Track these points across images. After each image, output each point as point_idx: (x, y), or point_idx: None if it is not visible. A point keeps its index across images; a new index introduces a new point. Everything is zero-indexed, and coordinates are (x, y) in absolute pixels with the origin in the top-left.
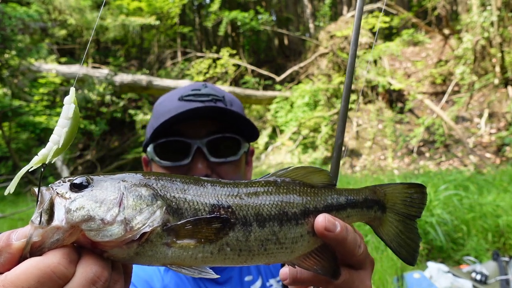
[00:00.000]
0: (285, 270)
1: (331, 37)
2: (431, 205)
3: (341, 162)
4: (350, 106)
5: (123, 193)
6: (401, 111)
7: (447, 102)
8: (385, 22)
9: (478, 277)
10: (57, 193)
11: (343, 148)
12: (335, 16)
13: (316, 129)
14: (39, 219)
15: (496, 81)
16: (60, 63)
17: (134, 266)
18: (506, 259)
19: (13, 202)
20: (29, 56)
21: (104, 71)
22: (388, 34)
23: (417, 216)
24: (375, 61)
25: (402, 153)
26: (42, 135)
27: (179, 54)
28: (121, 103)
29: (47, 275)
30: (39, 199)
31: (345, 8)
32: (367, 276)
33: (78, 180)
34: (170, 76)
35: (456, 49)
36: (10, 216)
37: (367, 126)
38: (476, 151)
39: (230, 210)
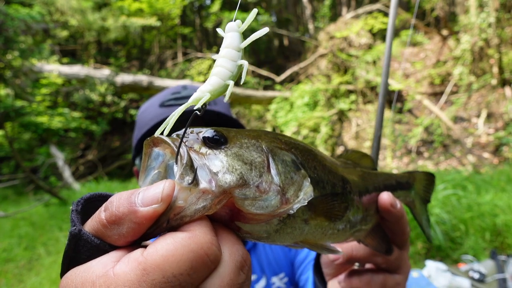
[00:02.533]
0: None
1: (331, 38)
2: (429, 204)
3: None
4: (349, 106)
5: (268, 155)
6: (400, 111)
7: (445, 102)
8: (384, 23)
9: (476, 275)
10: (190, 147)
11: (344, 148)
12: (334, 17)
13: (315, 129)
14: (188, 178)
15: (494, 82)
16: (62, 63)
17: None
18: (504, 257)
19: (16, 202)
20: (32, 57)
21: (106, 71)
22: None
23: (429, 201)
24: (374, 62)
25: (401, 153)
26: (44, 136)
27: (179, 54)
28: (122, 103)
29: (201, 258)
30: (177, 154)
31: (344, 9)
32: (407, 255)
33: (209, 133)
34: (170, 77)
35: (454, 50)
36: (13, 215)
37: (366, 126)
38: (474, 151)
39: (351, 186)
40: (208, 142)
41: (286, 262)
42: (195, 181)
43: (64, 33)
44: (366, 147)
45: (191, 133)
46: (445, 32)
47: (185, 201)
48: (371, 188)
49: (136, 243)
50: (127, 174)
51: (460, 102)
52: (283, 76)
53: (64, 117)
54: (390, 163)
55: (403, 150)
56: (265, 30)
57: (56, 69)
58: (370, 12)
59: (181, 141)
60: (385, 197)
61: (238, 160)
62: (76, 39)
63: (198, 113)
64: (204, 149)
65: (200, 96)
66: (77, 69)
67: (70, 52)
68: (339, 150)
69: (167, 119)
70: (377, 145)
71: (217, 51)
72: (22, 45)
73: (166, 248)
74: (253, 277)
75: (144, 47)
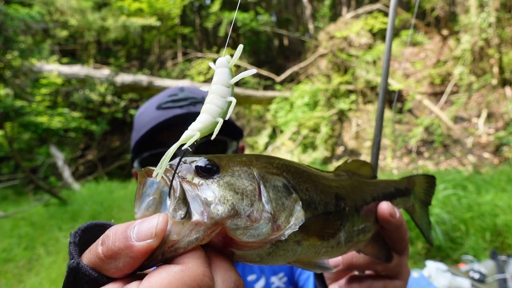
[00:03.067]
0: (336, 258)
1: (331, 37)
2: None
3: (341, 162)
4: (349, 106)
5: (259, 182)
6: (400, 111)
7: (445, 102)
8: (384, 23)
9: (476, 275)
10: (182, 177)
11: (343, 148)
12: (334, 17)
13: (315, 129)
14: (181, 212)
15: (494, 82)
16: (61, 63)
17: None
18: (504, 258)
19: (15, 202)
20: (31, 56)
21: (105, 71)
22: None
23: (430, 204)
24: (374, 62)
25: (401, 153)
26: (44, 135)
27: (179, 54)
28: (122, 103)
29: None
30: (170, 187)
31: (344, 9)
32: (407, 261)
33: (202, 162)
34: (170, 77)
35: (455, 49)
36: (12, 215)
37: (366, 126)
38: (474, 151)
39: (345, 202)
40: (201, 172)
41: None
42: (188, 215)
43: (63, 33)
44: (366, 147)
45: (184, 162)
46: (445, 32)
47: (178, 235)
48: (369, 199)
49: (132, 274)
50: (127, 174)
51: (461, 102)
52: (283, 76)
53: (64, 117)
54: (390, 163)
55: (403, 150)
56: (251, 72)
57: (56, 69)
58: (370, 12)
59: (174, 175)
60: (384, 207)
61: (230, 190)
62: (76, 39)
63: (190, 149)
64: (196, 179)
65: (191, 134)
66: (77, 69)
67: (69, 52)
68: (339, 150)
69: (162, 158)
70: (376, 151)
71: (217, 51)
72: (21, 45)
73: (160, 282)
74: (253, 276)
75: (144, 47)
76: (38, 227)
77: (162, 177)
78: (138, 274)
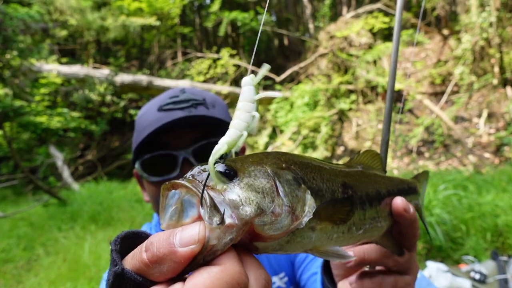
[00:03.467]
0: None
1: (331, 37)
2: (430, 204)
3: (341, 162)
4: (349, 106)
5: (274, 178)
6: (400, 111)
7: (446, 102)
8: (384, 23)
9: (477, 276)
10: (207, 186)
11: (343, 148)
12: (335, 16)
13: (316, 129)
14: (216, 219)
15: (495, 82)
16: (61, 63)
17: None
18: (505, 258)
19: (15, 202)
20: (30, 56)
21: (105, 71)
22: (388, 35)
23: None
24: (374, 62)
25: (402, 153)
26: (43, 135)
27: (179, 54)
28: (122, 103)
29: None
30: (202, 197)
31: (344, 9)
32: (415, 257)
33: (221, 168)
34: (170, 76)
35: (455, 49)
36: (12, 215)
37: (366, 126)
38: (475, 151)
39: (353, 189)
40: (221, 177)
41: (286, 262)
42: (222, 220)
43: (63, 33)
44: (366, 147)
45: (204, 171)
46: (446, 31)
47: (217, 239)
48: (384, 191)
49: (175, 278)
50: (126, 174)
51: (461, 102)
52: (283, 76)
53: (63, 117)
54: (391, 163)
55: (403, 150)
56: (276, 94)
57: (55, 68)
58: (370, 12)
59: (204, 187)
60: (399, 201)
61: (251, 190)
62: (75, 39)
63: (220, 161)
64: (219, 186)
65: (221, 148)
66: (76, 69)
67: (69, 51)
68: (340, 150)
69: (208, 163)
70: (385, 149)
71: (217, 51)
72: (21, 44)
73: (203, 282)
74: None
75: (143, 47)
76: (37, 227)
77: (184, 186)
78: (180, 278)
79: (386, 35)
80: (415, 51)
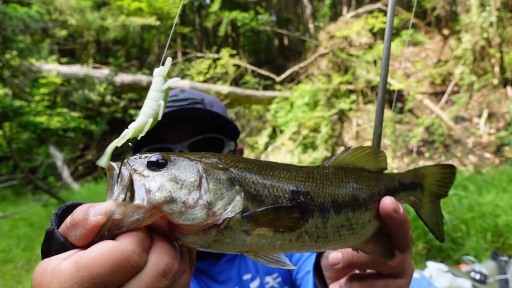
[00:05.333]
0: (336, 255)
1: (331, 37)
2: None
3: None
4: (349, 106)
5: (202, 175)
6: (400, 111)
7: (446, 102)
8: (384, 23)
9: (477, 276)
10: (135, 170)
11: (344, 149)
12: (335, 16)
13: (316, 129)
14: (122, 196)
15: (495, 81)
16: (61, 63)
17: None
18: (505, 258)
19: (14, 202)
20: (30, 56)
21: (105, 71)
22: None
23: (445, 195)
24: (374, 61)
25: (402, 153)
26: (43, 135)
27: (179, 54)
28: (122, 103)
29: (121, 263)
30: (119, 176)
31: (345, 9)
32: (410, 258)
33: (154, 157)
34: (170, 76)
35: (456, 49)
36: (11, 215)
37: (366, 126)
38: (475, 151)
39: (309, 196)
40: (151, 166)
41: None
42: (129, 199)
43: (63, 33)
44: None
45: (139, 158)
46: (446, 31)
47: (120, 215)
48: (364, 196)
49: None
50: None
51: (461, 102)
52: (283, 76)
53: (63, 117)
54: (391, 163)
55: (403, 150)
56: (186, 83)
57: (55, 68)
58: (370, 12)
59: (121, 165)
60: (387, 202)
61: (171, 180)
62: (75, 39)
63: (130, 144)
64: (146, 172)
65: (128, 132)
66: (76, 69)
67: (69, 51)
68: (340, 150)
69: (106, 149)
70: (377, 143)
71: (217, 51)
72: (20, 44)
73: (95, 253)
74: (248, 276)
75: (143, 47)
76: (37, 227)
77: (112, 167)
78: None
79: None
80: (416, 51)
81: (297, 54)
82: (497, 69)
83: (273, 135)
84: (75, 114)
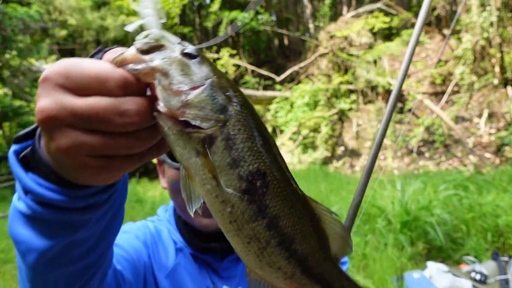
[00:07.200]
0: None
1: (331, 37)
2: (431, 205)
3: (341, 162)
4: (349, 106)
5: (205, 84)
6: (401, 111)
7: (446, 102)
8: (384, 23)
9: (478, 276)
10: (169, 43)
11: (344, 148)
12: (335, 16)
13: (316, 129)
14: (143, 47)
15: (496, 81)
16: None
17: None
18: (506, 258)
19: None
20: (30, 56)
21: None
22: (388, 35)
23: None
24: (375, 61)
25: (402, 153)
26: None
27: None
28: None
29: (102, 77)
30: (157, 38)
31: (345, 9)
32: None
33: (190, 49)
34: None
35: (456, 49)
36: None
37: (367, 126)
38: (475, 151)
39: (262, 176)
40: (182, 53)
41: None
42: (143, 52)
43: (62, 32)
44: (366, 147)
45: (181, 43)
46: (446, 31)
47: (131, 57)
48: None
49: None
50: (126, 173)
51: (462, 102)
52: (283, 75)
53: None
54: (391, 163)
55: (404, 150)
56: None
57: None
58: (371, 11)
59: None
60: None
61: (180, 65)
62: (75, 38)
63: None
64: (175, 53)
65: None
66: None
67: (69, 51)
68: (340, 150)
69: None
70: (376, 152)
71: (217, 51)
72: (20, 44)
73: (88, 61)
74: None
75: None
76: None
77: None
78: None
79: (386, 35)
80: (416, 51)
81: (297, 54)
82: (497, 69)
83: (273, 135)
84: None
